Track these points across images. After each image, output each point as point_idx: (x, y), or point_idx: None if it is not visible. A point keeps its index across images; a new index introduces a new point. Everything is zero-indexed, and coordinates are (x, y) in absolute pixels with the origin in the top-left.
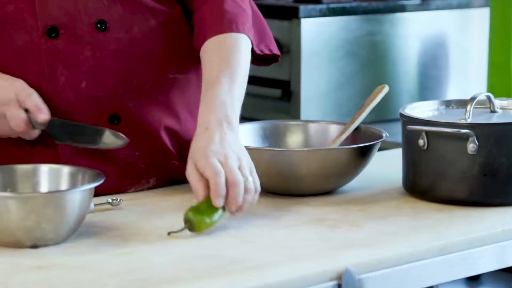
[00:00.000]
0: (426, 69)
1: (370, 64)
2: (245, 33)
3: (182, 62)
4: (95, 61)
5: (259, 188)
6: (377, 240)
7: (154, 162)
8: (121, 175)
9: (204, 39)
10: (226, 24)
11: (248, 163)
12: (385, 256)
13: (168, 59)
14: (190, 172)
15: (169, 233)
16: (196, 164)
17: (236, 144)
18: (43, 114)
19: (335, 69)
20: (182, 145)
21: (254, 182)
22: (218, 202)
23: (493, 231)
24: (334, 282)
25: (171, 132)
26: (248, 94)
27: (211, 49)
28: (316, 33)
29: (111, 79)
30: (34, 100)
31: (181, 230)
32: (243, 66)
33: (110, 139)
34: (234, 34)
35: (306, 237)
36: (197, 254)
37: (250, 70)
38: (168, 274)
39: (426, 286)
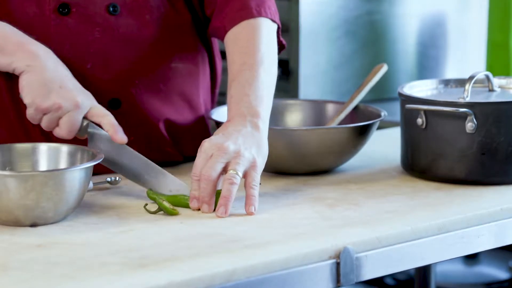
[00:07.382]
0: (425, 48)
1: (369, 43)
2: (270, 18)
3: (184, 52)
4: (103, 44)
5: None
6: (376, 219)
7: (148, 148)
8: None
9: (232, 22)
10: (254, 7)
11: (259, 168)
12: (383, 234)
13: (172, 48)
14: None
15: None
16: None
17: (253, 139)
18: (121, 134)
19: (334, 48)
20: (177, 132)
21: (252, 180)
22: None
23: (491, 209)
24: (333, 261)
25: (168, 120)
26: None
27: (233, 40)
28: (315, 12)
29: (117, 63)
30: (111, 118)
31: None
32: (265, 53)
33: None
34: (259, 20)
35: (305, 215)
36: (196, 232)
37: None
38: (168, 252)
39: (424, 264)
